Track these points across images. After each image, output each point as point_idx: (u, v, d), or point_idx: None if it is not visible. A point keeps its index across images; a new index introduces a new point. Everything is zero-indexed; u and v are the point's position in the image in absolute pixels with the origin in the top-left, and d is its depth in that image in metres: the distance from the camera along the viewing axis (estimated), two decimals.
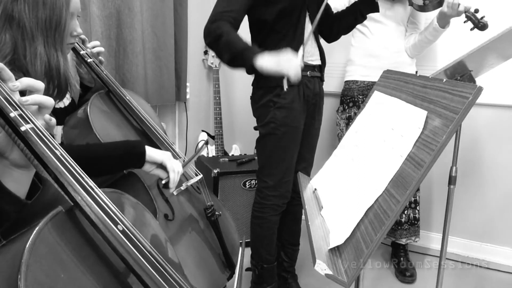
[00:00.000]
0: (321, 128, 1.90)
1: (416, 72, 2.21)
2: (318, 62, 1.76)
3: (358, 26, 2.15)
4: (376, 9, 1.72)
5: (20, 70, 0.93)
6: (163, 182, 1.17)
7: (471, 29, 1.81)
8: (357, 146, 1.16)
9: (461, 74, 1.60)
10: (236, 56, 1.43)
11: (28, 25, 0.92)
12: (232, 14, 1.50)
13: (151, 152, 1.14)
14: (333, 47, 2.45)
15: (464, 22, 1.82)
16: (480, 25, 1.78)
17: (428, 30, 2.02)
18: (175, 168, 1.17)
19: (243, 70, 1.48)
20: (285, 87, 1.37)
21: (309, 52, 1.71)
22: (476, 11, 1.79)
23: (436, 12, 1.95)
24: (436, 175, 2.42)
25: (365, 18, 1.76)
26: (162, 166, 1.17)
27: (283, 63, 1.35)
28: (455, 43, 2.17)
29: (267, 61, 1.37)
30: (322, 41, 1.90)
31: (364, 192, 0.94)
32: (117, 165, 1.15)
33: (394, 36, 2.11)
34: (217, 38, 1.46)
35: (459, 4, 1.81)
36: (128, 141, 1.22)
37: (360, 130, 1.21)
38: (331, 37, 1.87)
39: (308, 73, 1.71)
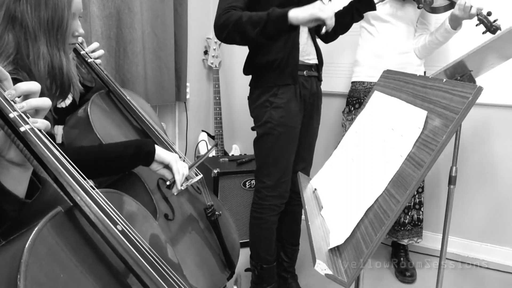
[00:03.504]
0: (326, 128, 1.88)
1: (425, 72, 2.18)
2: (315, 61, 1.75)
3: (366, 26, 2.14)
4: (372, 7, 1.71)
5: (23, 70, 0.94)
6: (167, 183, 1.20)
7: (483, 33, 1.77)
8: (357, 146, 1.16)
9: (461, 74, 1.59)
10: (267, 22, 1.42)
11: (30, 25, 0.93)
12: (239, 5, 1.52)
13: (160, 152, 1.18)
14: (342, 47, 2.44)
15: (476, 25, 1.78)
16: (493, 28, 1.73)
17: (439, 31, 1.97)
18: (180, 171, 1.21)
19: (279, 32, 1.46)
20: (323, 31, 1.40)
21: (306, 51, 1.71)
22: (489, 14, 1.74)
23: (447, 14, 1.92)
24: (438, 176, 2.42)
25: (362, 17, 1.75)
26: (168, 167, 1.21)
27: (317, 8, 1.37)
28: (467, 44, 2.06)
29: (300, 11, 1.38)
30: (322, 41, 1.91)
31: (364, 192, 0.94)
32: (129, 164, 1.18)
33: (402, 36, 2.07)
34: (236, 22, 1.45)
35: (471, 7, 1.76)
36: (138, 140, 1.26)
37: (360, 130, 1.21)
38: (328, 38, 1.86)
39: (304, 72, 1.70)
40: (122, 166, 1.17)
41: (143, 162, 1.18)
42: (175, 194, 1.36)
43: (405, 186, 0.81)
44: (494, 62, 1.65)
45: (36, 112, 0.66)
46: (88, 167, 1.10)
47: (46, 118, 0.69)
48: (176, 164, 1.21)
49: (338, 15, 1.77)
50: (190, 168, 1.30)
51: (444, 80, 0.91)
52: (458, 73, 1.59)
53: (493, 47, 1.44)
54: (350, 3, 1.74)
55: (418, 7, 1.94)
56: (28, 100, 0.65)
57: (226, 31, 1.49)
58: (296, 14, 1.38)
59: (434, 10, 1.95)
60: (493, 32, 1.74)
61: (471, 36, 1.96)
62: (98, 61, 1.39)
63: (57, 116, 1.29)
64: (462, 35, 2.05)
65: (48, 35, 0.95)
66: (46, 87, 0.96)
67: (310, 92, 1.75)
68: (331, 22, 1.37)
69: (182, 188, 1.37)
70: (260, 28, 1.43)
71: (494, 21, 1.74)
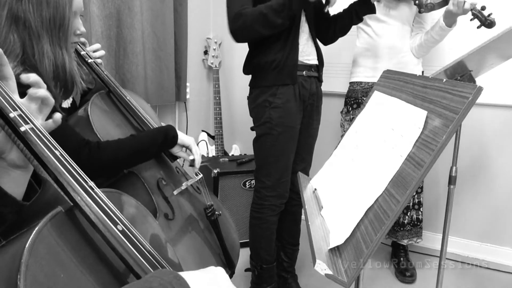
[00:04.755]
0: (326, 128, 1.88)
1: (423, 72, 2.18)
2: (315, 61, 1.75)
3: (363, 26, 2.13)
4: (372, 10, 1.71)
5: (33, 69, 0.95)
6: (190, 158, 1.39)
7: (478, 27, 1.76)
8: (357, 146, 1.16)
9: (461, 74, 1.59)
10: (291, 1, 1.50)
11: (33, 25, 0.94)
12: (248, 7, 1.56)
13: (181, 136, 1.34)
14: (341, 48, 2.44)
15: (471, 20, 1.77)
16: (487, 22, 1.73)
17: (435, 30, 1.97)
18: (198, 151, 1.39)
19: (302, 6, 1.58)
20: (326, 9, 1.60)
21: (306, 52, 1.71)
22: (483, 8, 1.74)
23: (442, 11, 1.91)
24: (438, 176, 2.42)
25: (361, 19, 1.76)
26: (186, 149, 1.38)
27: None
28: (463, 42, 2.12)
29: None
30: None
31: (364, 192, 0.94)
32: (158, 151, 1.30)
33: (399, 36, 2.07)
34: (257, 18, 1.52)
35: (464, 2, 1.76)
36: (162, 127, 1.35)
37: (360, 130, 1.21)
38: (328, 39, 1.86)
39: (304, 72, 1.70)
40: (153, 154, 1.28)
41: (169, 146, 1.32)
42: (175, 194, 1.36)
43: (405, 186, 0.81)
44: (494, 62, 1.65)
45: (39, 108, 0.67)
46: (128, 160, 1.18)
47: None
48: (195, 146, 1.38)
49: (338, 17, 1.77)
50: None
51: (444, 80, 0.91)
52: (458, 73, 1.59)
53: (493, 47, 1.44)
54: (350, 5, 1.74)
55: (420, 11, 1.93)
56: (42, 89, 0.67)
57: (248, 30, 1.55)
58: None
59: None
60: (488, 26, 1.74)
61: (468, 35, 1.97)
62: (98, 60, 1.39)
63: None
64: (459, 34, 2.06)
65: (51, 33, 0.97)
66: (53, 85, 0.98)
67: (310, 92, 1.75)
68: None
69: (182, 188, 1.39)
70: (287, 10, 1.51)
71: (489, 15, 1.73)
